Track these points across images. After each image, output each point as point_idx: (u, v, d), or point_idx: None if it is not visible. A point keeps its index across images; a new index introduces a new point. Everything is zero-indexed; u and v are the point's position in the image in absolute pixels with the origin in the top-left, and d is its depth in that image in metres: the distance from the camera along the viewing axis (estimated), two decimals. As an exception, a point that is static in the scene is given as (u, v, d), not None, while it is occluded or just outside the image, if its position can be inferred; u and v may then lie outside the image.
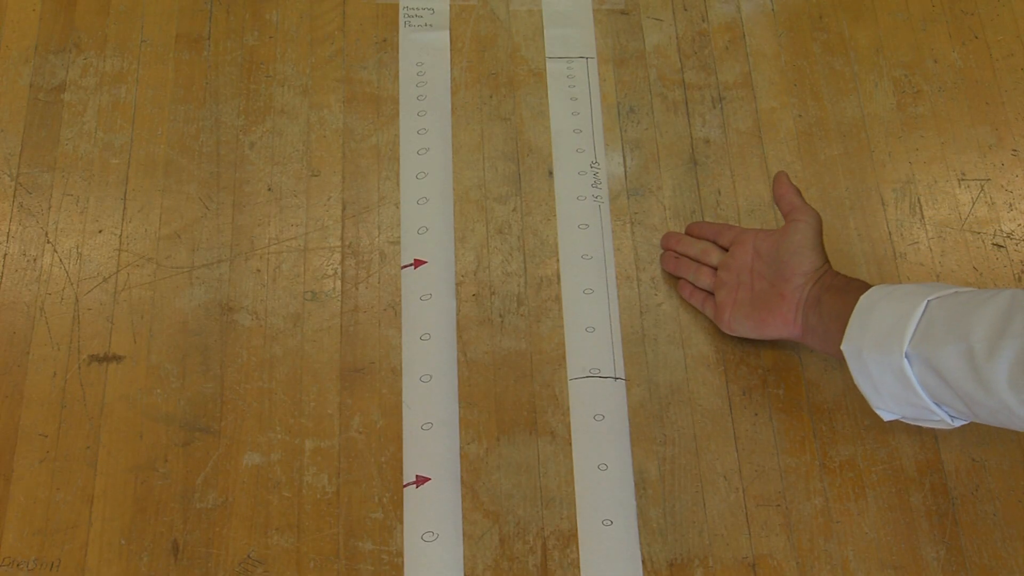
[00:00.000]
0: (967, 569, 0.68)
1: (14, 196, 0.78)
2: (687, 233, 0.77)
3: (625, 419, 0.72)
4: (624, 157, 0.82)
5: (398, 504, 0.69)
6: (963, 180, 0.81)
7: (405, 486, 0.70)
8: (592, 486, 0.70)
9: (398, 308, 0.75)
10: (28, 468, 0.69)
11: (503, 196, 0.80)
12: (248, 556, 0.67)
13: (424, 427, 0.71)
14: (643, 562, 0.68)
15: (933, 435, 0.72)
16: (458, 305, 0.76)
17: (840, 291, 0.64)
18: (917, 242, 0.79)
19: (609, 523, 0.69)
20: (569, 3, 0.87)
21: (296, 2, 0.86)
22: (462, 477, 0.70)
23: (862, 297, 0.61)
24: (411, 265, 0.77)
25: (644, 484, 0.70)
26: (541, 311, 0.76)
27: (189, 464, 0.70)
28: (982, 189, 0.81)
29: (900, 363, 0.57)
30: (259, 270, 0.76)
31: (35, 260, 0.76)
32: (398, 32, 0.85)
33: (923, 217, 0.80)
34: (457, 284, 0.76)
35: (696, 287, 0.74)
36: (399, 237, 0.78)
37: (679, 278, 0.76)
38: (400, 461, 0.70)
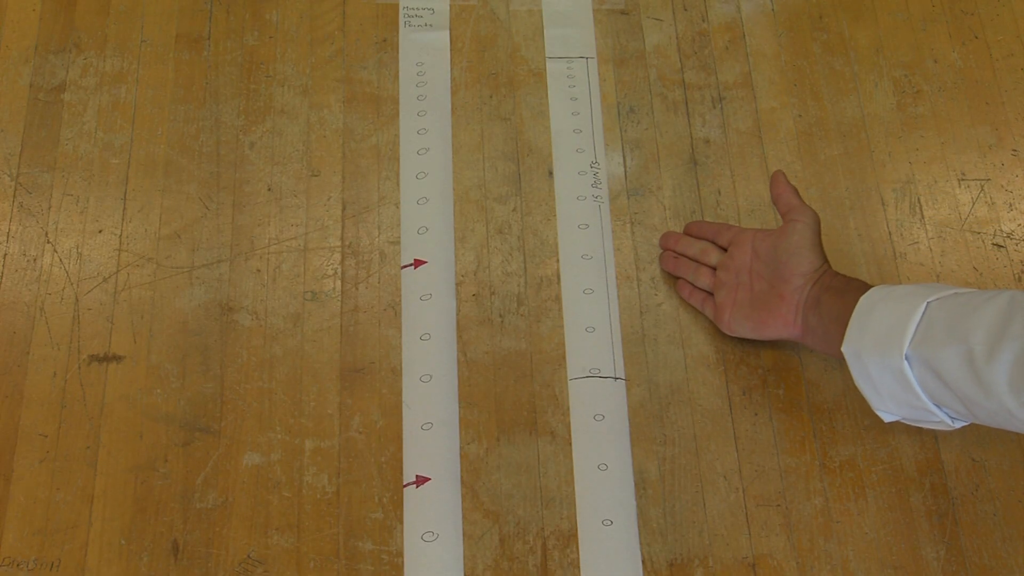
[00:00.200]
0: (967, 569, 0.68)
1: (14, 196, 0.78)
2: (686, 233, 0.77)
3: (625, 419, 0.72)
4: (624, 157, 0.82)
5: (398, 504, 0.69)
6: (963, 180, 0.81)
7: (405, 486, 0.70)
8: (592, 486, 0.70)
9: (398, 308, 0.75)
10: (28, 468, 0.69)
11: (503, 196, 0.80)
12: (248, 556, 0.67)
13: (424, 427, 0.71)
14: (643, 562, 0.68)
15: (933, 435, 0.72)
16: (458, 305, 0.76)
17: (839, 292, 0.64)
18: (917, 242, 0.79)
19: (609, 523, 0.69)
20: (569, 3, 0.87)
21: (296, 2, 0.86)
22: (462, 477, 0.70)
23: (862, 298, 0.61)
24: (411, 265, 0.77)
25: (644, 484, 0.70)
26: (541, 311, 0.76)
27: (189, 464, 0.70)
28: (982, 189, 0.81)
29: (900, 365, 0.57)
30: (259, 270, 0.76)
31: (35, 260, 0.76)
32: (398, 32, 0.86)
33: (923, 217, 0.80)
34: (457, 284, 0.76)
35: (695, 287, 0.74)
36: (399, 237, 0.78)
37: (678, 278, 0.76)
38: (400, 461, 0.70)
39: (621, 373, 0.73)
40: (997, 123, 0.84)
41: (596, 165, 0.81)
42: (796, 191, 0.69)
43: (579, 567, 0.68)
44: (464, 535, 0.69)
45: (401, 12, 0.86)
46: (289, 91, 0.83)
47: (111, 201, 0.78)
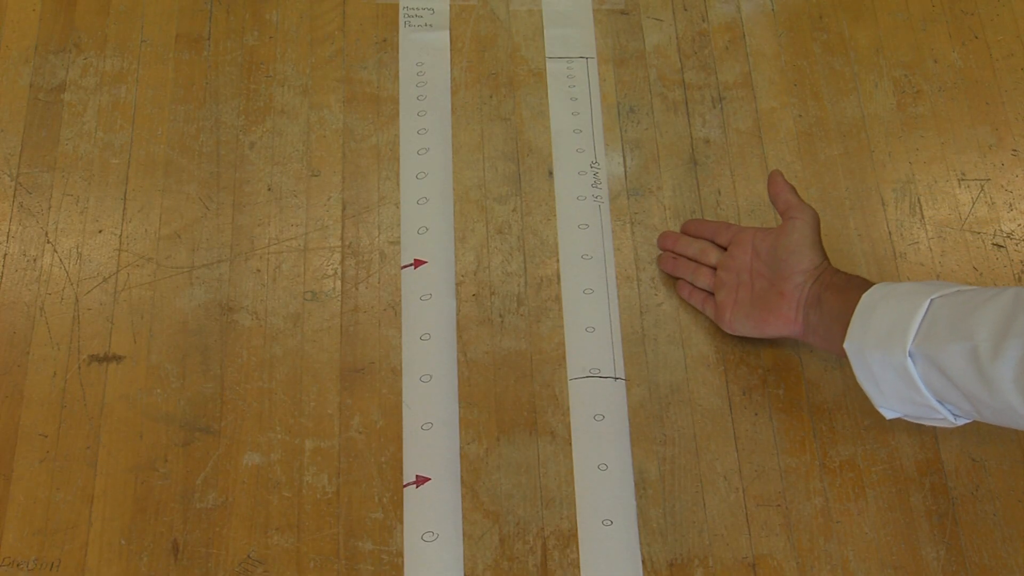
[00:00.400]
0: (967, 569, 0.68)
1: (14, 196, 0.78)
2: (683, 232, 0.77)
3: (625, 419, 0.72)
4: (624, 157, 0.82)
5: (398, 504, 0.69)
6: (963, 180, 0.81)
7: (405, 486, 0.70)
8: (592, 486, 0.70)
9: (398, 308, 0.75)
10: (28, 468, 0.69)
11: (503, 196, 0.80)
12: (248, 556, 0.67)
13: (424, 427, 0.71)
14: (643, 562, 0.68)
15: (933, 435, 0.72)
16: (458, 305, 0.76)
17: (841, 289, 0.64)
18: (917, 242, 0.79)
19: (609, 523, 0.69)
20: (569, 3, 0.87)
21: (296, 2, 0.86)
22: (462, 477, 0.70)
23: (864, 295, 0.61)
24: (411, 265, 0.77)
25: (644, 484, 0.70)
26: (541, 311, 0.76)
27: (189, 464, 0.70)
28: (982, 189, 0.81)
29: (903, 361, 0.57)
30: (259, 270, 0.76)
31: (35, 260, 0.76)
32: (398, 32, 0.86)
33: (923, 217, 0.80)
34: (457, 284, 0.76)
35: (695, 287, 0.74)
36: (399, 237, 0.78)
37: (678, 278, 0.76)
38: (400, 461, 0.70)
39: (621, 373, 0.73)
40: (997, 123, 0.84)
41: (596, 165, 0.81)
42: (794, 189, 0.69)
43: (579, 567, 0.68)
44: (464, 535, 0.69)
45: (401, 12, 0.86)
46: (289, 91, 0.83)
47: (111, 201, 0.78)
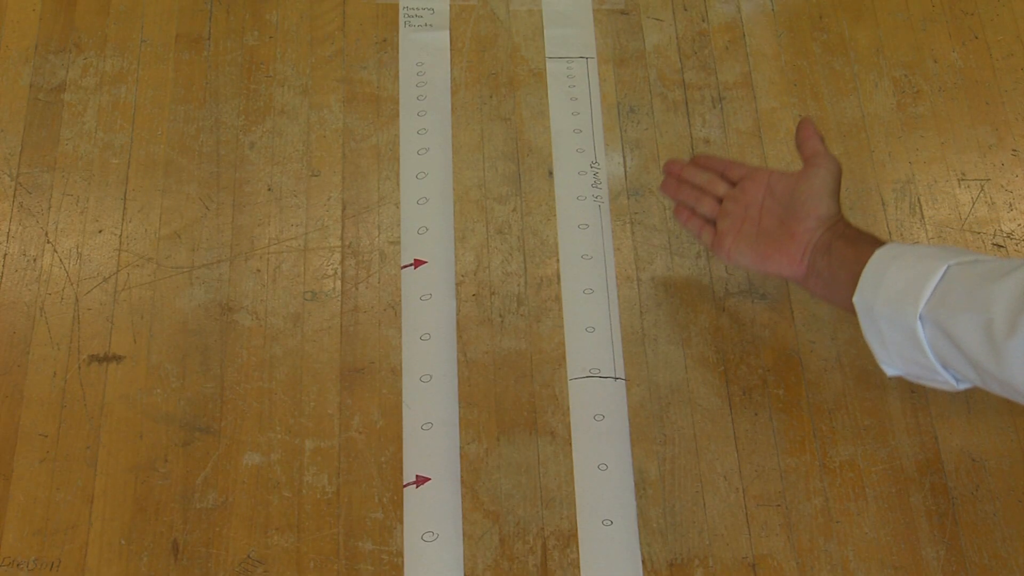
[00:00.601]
0: (967, 569, 0.68)
1: (14, 196, 0.78)
2: (692, 164, 0.74)
3: (625, 419, 0.72)
4: (624, 157, 0.82)
5: (398, 504, 0.69)
6: (963, 180, 0.81)
7: (405, 486, 0.70)
8: (592, 486, 0.70)
9: (398, 308, 0.75)
10: (28, 468, 0.69)
11: (503, 196, 0.80)
12: (248, 556, 0.67)
13: (424, 427, 0.71)
14: (643, 562, 0.68)
15: (933, 435, 0.72)
16: (458, 305, 0.76)
17: (853, 241, 0.63)
18: (917, 242, 0.79)
19: (609, 523, 0.69)
20: (569, 3, 0.87)
21: (296, 2, 0.86)
22: (462, 477, 0.70)
23: (878, 251, 0.60)
24: (411, 265, 0.77)
25: (644, 484, 0.70)
26: (541, 311, 0.76)
27: (189, 464, 0.70)
28: (982, 189, 0.81)
29: (913, 323, 0.57)
30: (259, 270, 0.76)
31: (35, 260, 0.76)
32: (398, 32, 0.86)
33: (923, 217, 0.80)
34: (457, 284, 0.76)
35: (694, 214, 0.72)
36: (399, 237, 0.78)
37: (677, 202, 0.74)
38: (400, 461, 0.70)
39: (621, 373, 0.73)
40: (997, 123, 0.84)
41: (596, 165, 0.81)
42: (822, 139, 0.68)
43: (579, 567, 0.68)
44: (464, 535, 0.69)
45: (401, 12, 0.86)
46: (289, 91, 0.83)
47: (111, 201, 0.78)
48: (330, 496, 0.69)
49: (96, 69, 0.83)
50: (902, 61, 0.86)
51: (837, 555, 0.69)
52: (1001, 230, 0.79)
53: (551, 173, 0.81)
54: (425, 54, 0.85)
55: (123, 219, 0.78)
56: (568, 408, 0.72)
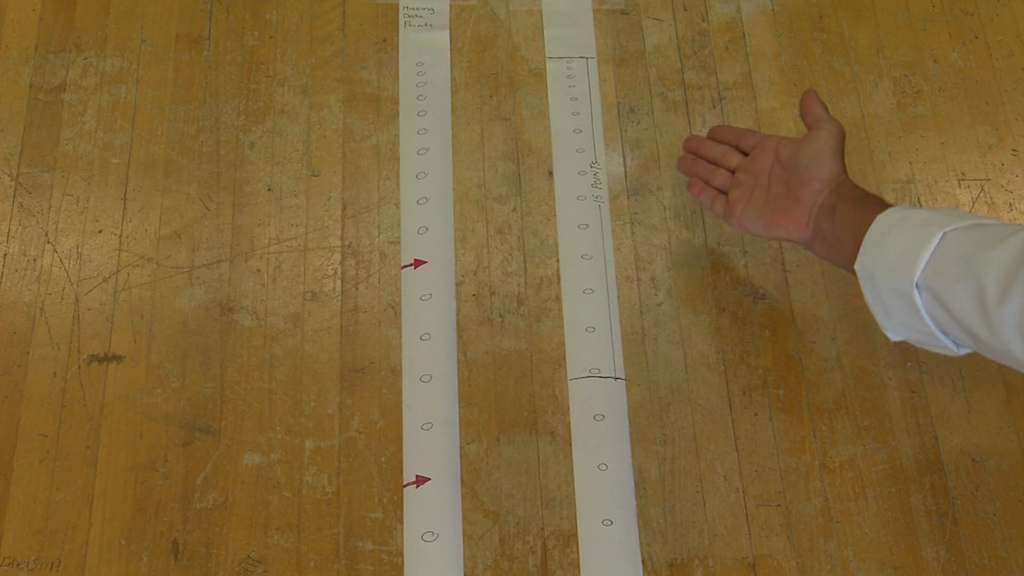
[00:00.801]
0: (967, 569, 0.68)
1: (14, 196, 0.78)
2: (709, 137, 0.75)
3: (625, 419, 0.72)
4: (624, 157, 0.82)
5: (398, 504, 0.69)
6: (963, 180, 0.81)
7: (405, 486, 0.70)
8: (592, 486, 0.70)
9: (398, 308, 0.75)
10: (28, 468, 0.69)
11: (503, 196, 0.80)
12: (248, 556, 0.67)
13: (424, 427, 0.71)
14: (643, 562, 0.68)
15: (933, 435, 0.72)
16: (458, 305, 0.76)
17: (856, 203, 0.63)
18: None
19: (609, 523, 0.69)
20: (569, 3, 0.87)
21: (296, 2, 0.86)
22: (462, 477, 0.70)
23: (879, 217, 0.60)
24: (411, 265, 0.77)
25: (644, 484, 0.70)
26: (541, 311, 0.76)
27: (189, 464, 0.70)
28: (982, 189, 0.81)
29: (910, 292, 0.57)
30: (259, 270, 0.76)
31: (35, 260, 0.76)
32: (398, 32, 0.86)
33: (923, 217, 0.80)
34: (457, 284, 0.76)
35: (708, 185, 0.73)
36: (399, 237, 0.78)
37: (691, 176, 0.74)
38: (400, 461, 0.70)
39: (621, 373, 0.73)
40: (997, 123, 0.84)
41: (596, 165, 0.81)
42: (825, 107, 0.69)
43: (579, 567, 0.68)
44: (464, 535, 0.69)
45: (401, 12, 0.86)
46: (289, 91, 0.83)
47: (111, 201, 0.78)
48: (330, 496, 0.69)
49: (96, 69, 0.83)
50: (902, 61, 0.86)
51: (837, 555, 0.69)
52: (1001, 230, 0.79)
53: (551, 173, 0.81)
54: (425, 54, 0.85)
55: (123, 219, 0.78)
56: (568, 408, 0.72)
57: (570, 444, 0.71)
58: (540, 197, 0.80)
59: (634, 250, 0.78)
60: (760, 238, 0.78)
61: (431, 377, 0.73)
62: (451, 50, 0.85)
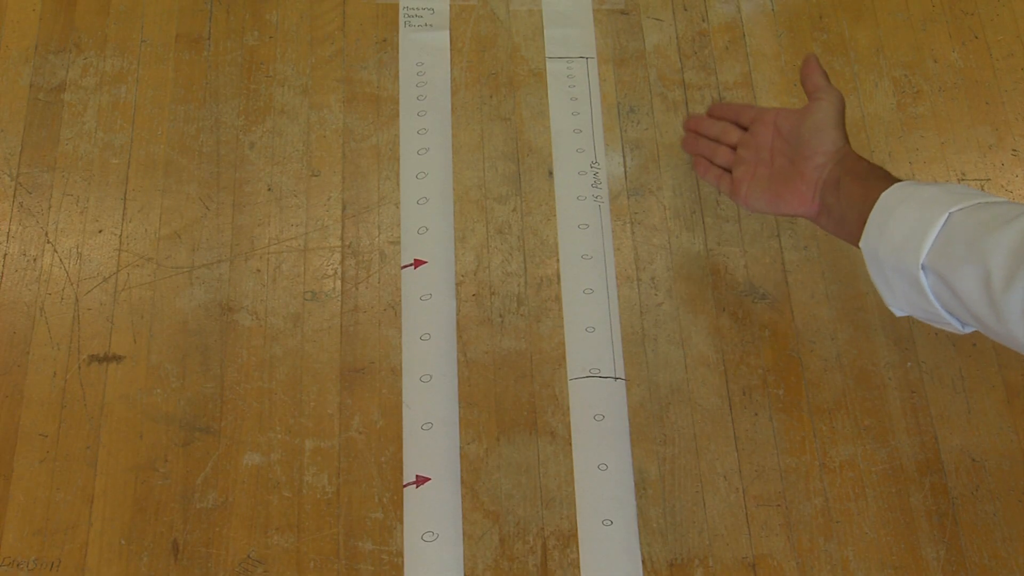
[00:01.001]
0: (967, 569, 0.68)
1: (14, 196, 0.78)
2: (708, 115, 0.74)
3: (625, 419, 0.72)
4: (624, 157, 0.82)
5: (398, 504, 0.69)
6: (963, 180, 0.81)
7: (405, 486, 0.70)
8: (592, 486, 0.70)
9: (398, 308, 0.75)
10: (28, 468, 0.69)
11: (503, 196, 0.80)
12: (248, 556, 0.67)
13: (424, 427, 0.71)
14: (643, 562, 0.68)
15: (933, 435, 0.72)
16: (458, 305, 0.76)
17: (861, 177, 0.62)
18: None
19: (609, 523, 0.69)
20: (569, 3, 0.87)
21: (296, 2, 0.86)
22: (462, 477, 0.70)
23: (883, 195, 0.59)
24: (411, 265, 0.77)
25: (644, 484, 0.70)
26: (541, 311, 0.76)
27: (189, 464, 0.70)
28: (982, 189, 0.81)
29: (916, 273, 0.56)
30: (259, 270, 0.76)
31: (35, 260, 0.76)
32: (398, 32, 0.86)
33: (923, 217, 0.80)
34: (457, 284, 0.76)
35: (713, 164, 0.72)
36: (399, 237, 0.78)
37: (695, 156, 0.74)
38: (400, 461, 0.70)
39: (621, 373, 0.73)
40: (997, 123, 0.84)
41: (596, 165, 0.81)
42: (825, 74, 0.68)
43: (579, 567, 0.68)
44: (464, 535, 0.69)
45: (401, 12, 0.86)
46: (289, 91, 0.83)
47: (111, 201, 0.78)
48: (330, 496, 0.69)
49: (96, 69, 0.83)
50: (902, 61, 0.86)
51: (837, 555, 0.69)
52: (1001, 230, 0.79)
53: (551, 173, 0.81)
54: (425, 54, 0.85)
55: (123, 219, 0.78)
56: (568, 408, 0.72)
57: (570, 444, 0.71)
58: (540, 197, 0.80)
59: (634, 250, 0.78)
60: (760, 238, 0.78)
61: (431, 377, 0.73)
62: (451, 50, 0.85)
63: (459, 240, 0.78)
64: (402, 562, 0.67)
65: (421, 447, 0.71)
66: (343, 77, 0.83)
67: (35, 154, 0.80)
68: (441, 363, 0.73)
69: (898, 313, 0.61)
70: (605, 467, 0.71)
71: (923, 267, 0.56)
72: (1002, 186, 0.81)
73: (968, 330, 0.58)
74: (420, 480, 0.70)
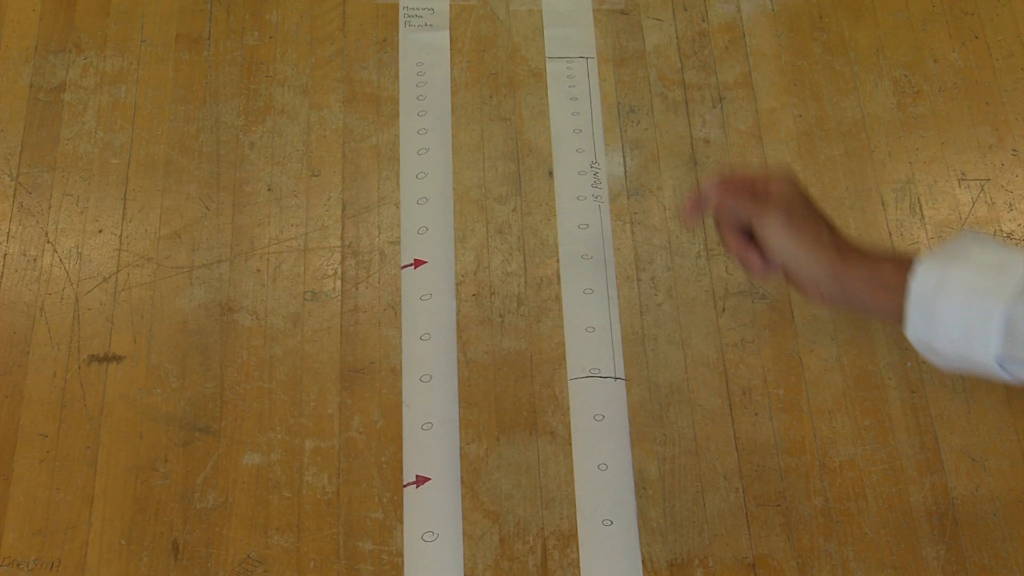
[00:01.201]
0: (967, 569, 0.68)
1: (14, 196, 0.78)
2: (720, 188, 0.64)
3: (625, 419, 0.72)
4: (624, 157, 0.82)
5: (398, 504, 0.69)
6: (963, 180, 0.81)
7: (405, 486, 0.70)
8: (592, 486, 0.70)
9: (398, 308, 0.75)
10: (28, 468, 0.69)
11: (503, 196, 0.80)
12: (248, 556, 0.67)
13: (424, 427, 0.71)
14: (643, 562, 0.68)
15: (933, 435, 0.72)
16: (458, 305, 0.76)
17: (866, 265, 0.57)
18: (917, 242, 0.79)
19: (609, 523, 0.69)
20: (569, 3, 0.87)
21: (296, 2, 0.86)
22: (462, 477, 0.70)
23: (914, 284, 0.54)
24: (411, 265, 0.77)
25: (644, 484, 0.70)
26: (541, 311, 0.76)
27: (189, 464, 0.70)
28: (982, 189, 0.81)
29: (991, 365, 0.53)
30: (259, 270, 0.76)
31: (35, 260, 0.76)
32: (398, 32, 0.86)
33: (923, 217, 0.80)
34: (457, 284, 0.76)
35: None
36: (399, 237, 0.78)
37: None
38: (400, 461, 0.70)
39: (621, 373, 0.73)
40: (997, 123, 0.84)
41: (596, 165, 0.81)
42: (715, 190, 0.61)
43: (579, 567, 0.68)
44: (464, 535, 0.69)
45: (401, 12, 0.86)
46: (289, 91, 0.83)
47: (111, 201, 0.78)
48: (330, 496, 0.69)
49: (96, 69, 0.83)
50: (902, 61, 0.86)
51: (837, 555, 0.69)
52: (1001, 230, 0.79)
53: (551, 173, 0.81)
54: (425, 54, 0.85)
55: (123, 219, 0.78)
56: (568, 408, 0.72)
57: (570, 444, 0.71)
58: (540, 197, 0.80)
59: (634, 250, 0.78)
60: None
61: (431, 377, 0.73)
62: (451, 50, 0.85)
63: (459, 240, 0.78)
64: (402, 562, 0.67)
65: (421, 447, 0.71)
66: (343, 77, 0.83)
67: (35, 154, 0.80)
68: (441, 363, 0.73)
69: (941, 367, 0.58)
70: (605, 467, 0.71)
71: (996, 358, 0.53)
72: (1002, 186, 0.81)
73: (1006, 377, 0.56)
74: (420, 480, 0.70)
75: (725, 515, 0.70)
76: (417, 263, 0.77)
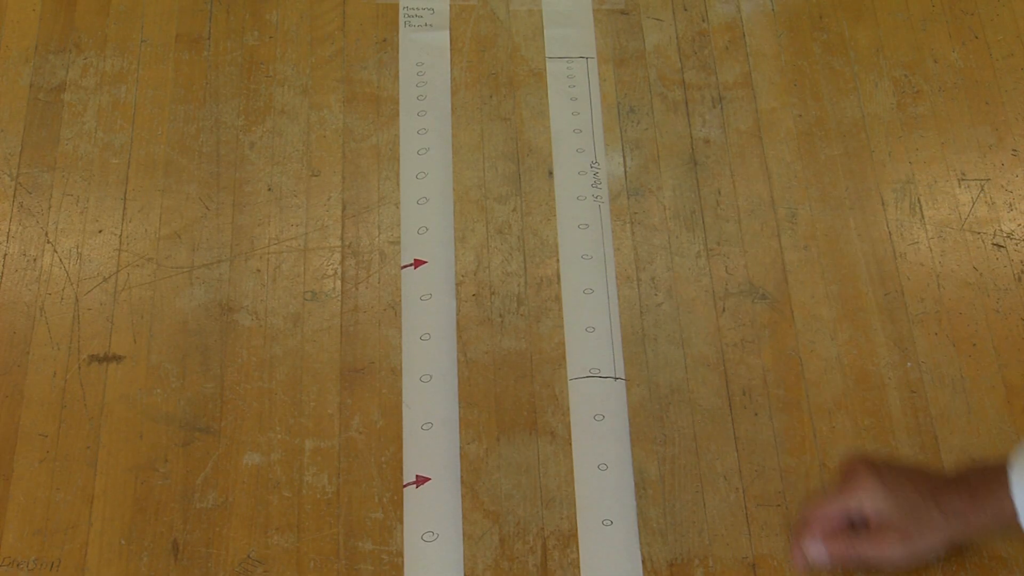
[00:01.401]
0: (967, 569, 0.68)
1: (14, 196, 0.78)
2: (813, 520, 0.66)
3: (625, 419, 0.72)
4: (624, 157, 0.82)
5: (398, 504, 0.69)
6: (963, 180, 0.81)
7: (405, 486, 0.70)
8: (592, 486, 0.70)
9: (398, 308, 0.75)
10: (28, 468, 0.69)
11: (503, 196, 0.80)
12: (248, 556, 0.67)
13: (424, 427, 0.71)
14: (643, 562, 0.68)
15: (933, 435, 0.72)
16: (458, 305, 0.76)
17: (969, 504, 0.62)
18: (917, 242, 0.79)
19: (609, 523, 0.69)
20: (569, 3, 0.87)
21: (296, 2, 0.86)
22: (462, 477, 0.70)
23: (1014, 484, 0.61)
24: (411, 265, 0.77)
25: (644, 484, 0.70)
26: (541, 311, 0.76)
27: (189, 464, 0.70)
28: (982, 189, 0.81)
29: None
30: (259, 270, 0.76)
31: (35, 260, 0.76)
32: (398, 32, 0.86)
33: (923, 217, 0.80)
34: (457, 284, 0.76)
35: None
36: (399, 237, 0.78)
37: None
38: (400, 461, 0.70)
39: (621, 373, 0.73)
40: (997, 123, 0.84)
41: (596, 165, 0.81)
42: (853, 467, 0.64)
43: (579, 567, 0.68)
44: (464, 535, 0.69)
45: (401, 12, 0.86)
46: (289, 91, 0.83)
47: (111, 201, 0.78)
48: (330, 496, 0.69)
49: (96, 69, 0.83)
50: (902, 61, 0.86)
51: (837, 555, 0.68)
52: (1001, 230, 0.79)
53: (551, 173, 0.81)
54: (425, 54, 0.85)
55: (123, 219, 0.78)
56: (568, 408, 0.72)
57: (570, 444, 0.71)
58: (540, 197, 0.80)
59: (634, 250, 0.78)
60: (760, 238, 0.78)
61: (431, 377, 0.73)
62: (451, 50, 0.85)
63: (459, 240, 0.78)
64: (402, 562, 0.67)
65: (421, 447, 0.71)
66: (343, 77, 0.83)
67: (35, 154, 0.80)
68: (441, 363, 0.73)
69: None
70: (605, 467, 0.71)
71: None
72: (1002, 186, 0.81)
73: None
74: (420, 480, 0.70)
75: (725, 515, 0.70)
76: (417, 263, 0.77)
